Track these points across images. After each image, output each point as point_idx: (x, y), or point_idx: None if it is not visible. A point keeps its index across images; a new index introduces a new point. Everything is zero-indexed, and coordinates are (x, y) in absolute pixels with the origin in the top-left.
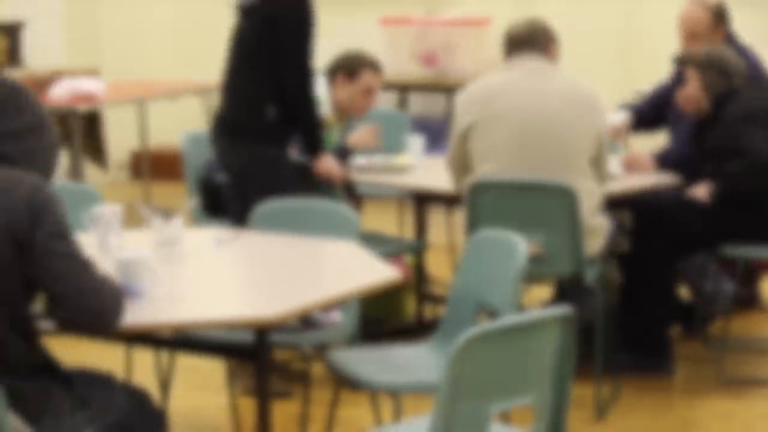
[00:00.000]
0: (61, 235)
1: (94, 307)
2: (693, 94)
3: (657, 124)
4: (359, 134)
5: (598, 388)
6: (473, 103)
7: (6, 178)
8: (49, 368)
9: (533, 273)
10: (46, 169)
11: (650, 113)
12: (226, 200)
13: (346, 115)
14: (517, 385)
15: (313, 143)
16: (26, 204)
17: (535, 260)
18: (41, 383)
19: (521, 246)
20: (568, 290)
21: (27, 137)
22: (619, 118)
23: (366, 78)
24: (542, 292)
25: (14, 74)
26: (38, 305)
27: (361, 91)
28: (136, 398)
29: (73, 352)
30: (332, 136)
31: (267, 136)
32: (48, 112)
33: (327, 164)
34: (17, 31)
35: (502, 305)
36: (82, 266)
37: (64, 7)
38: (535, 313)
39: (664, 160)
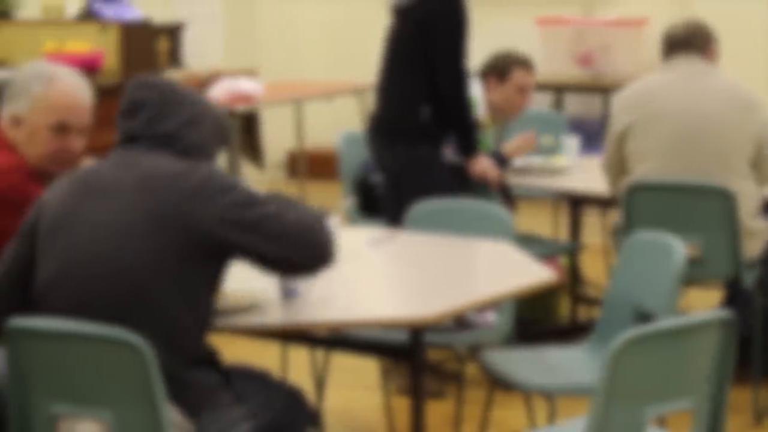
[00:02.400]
0: (252, 202)
1: (315, 242)
2: None
3: None
4: (515, 142)
5: (756, 394)
6: (630, 104)
7: (182, 166)
8: (212, 363)
9: (691, 276)
10: (218, 148)
11: None
12: (382, 200)
13: (502, 116)
14: (675, 389)
15: (468, 144)
16: (203, 184)
17: (693, 263)
18: (203, 377)
19: (679, 248)
20: (734, 294)
21: (189, 128)
22: None
23: (517, 77)
24: (708, 295)
25: (175, 75)
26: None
27: (514, 90)
28: (292, 396)
29: (230, 348)
30: (488, 137)
31: (421, 137)
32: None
33: (482, 165)
34: (178, 33)
35: (659, 308)
36: (281, 215)
37: (224, 9)
38: (693, 317)
39: None
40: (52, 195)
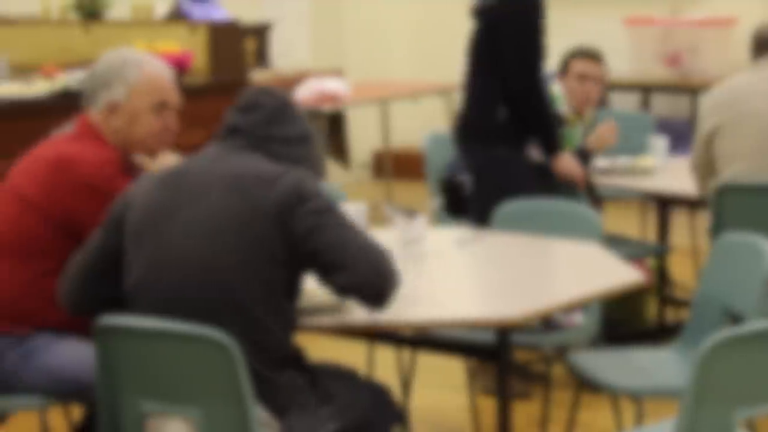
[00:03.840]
0: (332, 209)
1: (378, 266)
2: None
3: None
4: (597, 134)
5: None
6: (719, 105)
7: (275, 169)
8: (298, 363)
9: None
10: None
11: None
12: (468, 200)
13: (582, 109)
14: (765, 391)
15: (548, 143)
16: (292, 189)
17: None
18: (290, 377)
19: None
20: None
21: (295, 144)
22: None
23: (575, 66)
24: None
25: (261, 75)
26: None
27: (574, 79)
28: (378, 395)
29: (317, 347)
30: (575, 134)
31: (501, 137)
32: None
33: (565, 163)
34: (265, 33)
35: (749, 310)
36: (357, 232)
37: (311, 9)
38: None
39: None
40: (140, 193)
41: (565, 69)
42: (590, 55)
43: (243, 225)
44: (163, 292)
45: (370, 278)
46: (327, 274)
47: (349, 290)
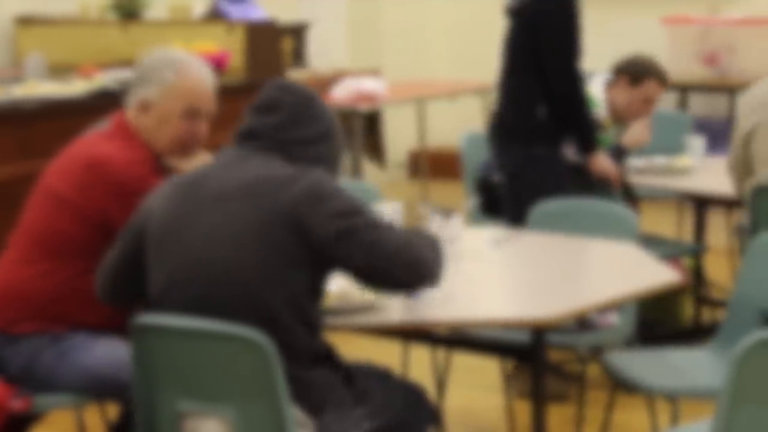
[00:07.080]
0: (358, 210)
1: (414, 259)
2: None
3: None
4: (632, 131)
5: None
6: (756, 105)
7: (289, 172)
8: (330, 361)
9: None
10: (330, 171)
11: None
12: (503, 200)
13: (620, 118)
14: None
15: (586, 142)
16: (307, 191)
17: None
18: (323, 374)
19: None
20: None
21: (316, 144)
22: None
23: (649, 87)
24: None
25: (298, 75)
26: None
27: (642, 99)
28: (413, 394)
29: (352, 347)
30: (608, 137)
31: (539, 137)
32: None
33: (601, 163)
34: (302, 33)
35: None
36: (386, 230)
37: (347, 9)
38: None
39: None
40: (158, 202)
41: (637, 80)
42: (665, 81)
43: (260, 230)
44: (186, 300)
45: (406, 279)
46: (363, 277)
47: (388, 289)
